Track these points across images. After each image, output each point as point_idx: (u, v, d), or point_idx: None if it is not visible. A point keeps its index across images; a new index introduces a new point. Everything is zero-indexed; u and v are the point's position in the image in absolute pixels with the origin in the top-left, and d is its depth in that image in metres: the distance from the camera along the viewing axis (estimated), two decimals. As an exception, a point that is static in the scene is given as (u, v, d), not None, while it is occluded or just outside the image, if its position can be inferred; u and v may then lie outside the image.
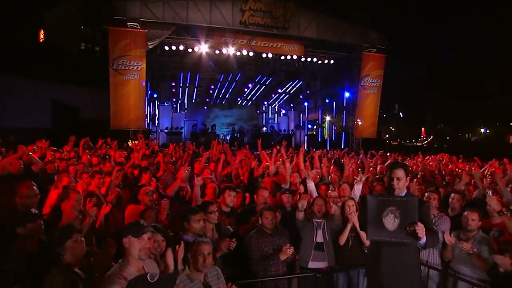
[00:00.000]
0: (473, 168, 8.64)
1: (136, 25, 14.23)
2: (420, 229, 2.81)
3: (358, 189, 5.13)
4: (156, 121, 21.97)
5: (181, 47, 15.88)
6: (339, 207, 4.50)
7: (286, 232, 4.18)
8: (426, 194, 4.72)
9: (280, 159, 7.56)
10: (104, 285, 2.34)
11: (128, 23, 14.15)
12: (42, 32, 31.04)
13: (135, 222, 2.67)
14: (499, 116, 47.64)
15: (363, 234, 3.75)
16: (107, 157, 8.37)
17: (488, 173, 8.09)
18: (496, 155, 10.13)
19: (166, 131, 22.10)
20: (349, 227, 4.22)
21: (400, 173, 3.12)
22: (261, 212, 4.07)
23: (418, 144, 52.03)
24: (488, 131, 53.64)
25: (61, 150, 8.51)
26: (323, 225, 4.33)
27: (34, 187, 3.88)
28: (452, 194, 4.99)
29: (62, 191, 4.72)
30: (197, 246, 2.86)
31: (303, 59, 18.03)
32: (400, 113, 63.87)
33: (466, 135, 57.78)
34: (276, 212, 4.13)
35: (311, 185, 5.17)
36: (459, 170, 8.74)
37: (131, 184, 6.01)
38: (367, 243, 3.68)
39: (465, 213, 4.05)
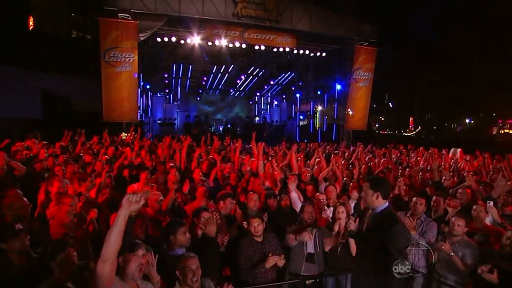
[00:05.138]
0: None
1: (128, 16, 14.00)
2: None
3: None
4: (149, 113, 21.88)
5: (174, 39, 15.75)
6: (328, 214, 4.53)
7: (275, 238, 4.11)
8: (413, 199, 4.69)
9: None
10: None
11: (119, 14, 13.89)
12: (31, 19, 30.18)
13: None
14: (483, 107, 48.50)
15: (351, 242, 3.79)
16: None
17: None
18: (479, 145, 10.36)
19: (159, 122, 22.11)
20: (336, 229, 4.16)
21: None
22: (248, 220, 4.05)
23: (406, 134, 52.39)
24: (472, 121, 54.37)
25: (52, 146, 8.45)
26: (315, 234, 4.20)
27: (24, 198, 3.78)
28: (434, 197, 5.07)
29: (45, 198, 4.62)
30: (184, 262, 2.83)
31: (295, 51, 18.00)
32: (390, 103, 64.16)
33: (452, 125, 58.45)
34: (262, 218, 4.07)
35: (293, 195, 5.16)
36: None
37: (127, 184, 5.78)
38: (354, 252, 3.75)
39: (453, 218, 4.11)
